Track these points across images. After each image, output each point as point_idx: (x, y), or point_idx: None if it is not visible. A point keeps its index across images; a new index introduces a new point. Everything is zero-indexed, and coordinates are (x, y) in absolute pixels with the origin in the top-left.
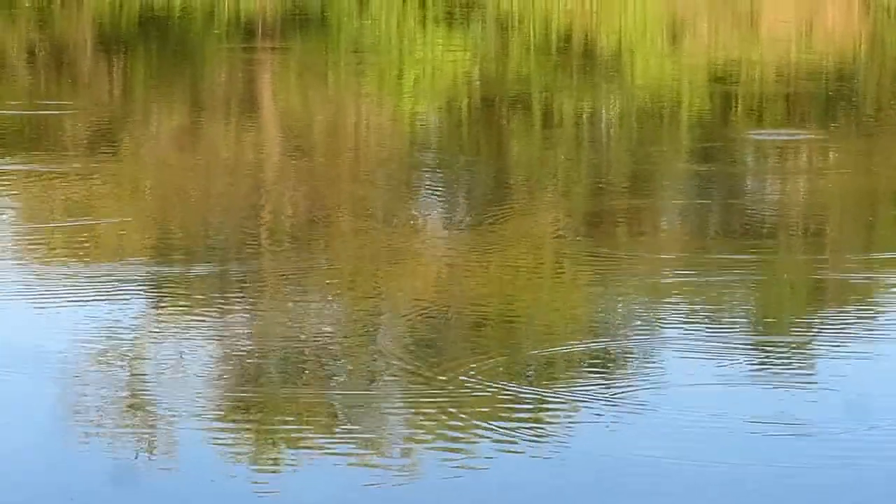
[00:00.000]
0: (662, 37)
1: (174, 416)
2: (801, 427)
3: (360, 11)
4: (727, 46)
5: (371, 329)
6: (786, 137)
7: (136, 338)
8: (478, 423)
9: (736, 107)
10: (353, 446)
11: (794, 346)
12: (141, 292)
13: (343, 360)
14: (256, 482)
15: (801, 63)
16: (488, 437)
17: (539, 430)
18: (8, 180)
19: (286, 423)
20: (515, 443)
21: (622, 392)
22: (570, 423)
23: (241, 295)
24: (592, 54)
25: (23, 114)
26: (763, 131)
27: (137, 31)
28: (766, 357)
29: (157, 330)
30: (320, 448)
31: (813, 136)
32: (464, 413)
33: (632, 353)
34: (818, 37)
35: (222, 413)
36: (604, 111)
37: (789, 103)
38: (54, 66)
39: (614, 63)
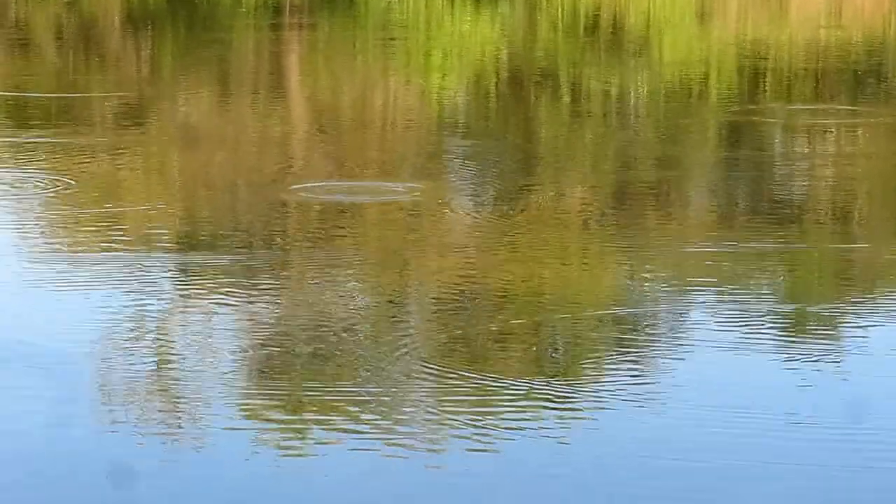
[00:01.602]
0: (691, 16)
1: (201, 398)
2: (822, 410)
3: None
4: (756, 26)
5: (399, 311)
6: (815, 112)
7: (163, 320)
8: (502, 405)
9: (764, 83)
10: (380, 431)
11: (822, 323)
12: (168, 273)
13: (369, 345)
14: (281, 465)
15: (830, 41)
16: (512, 419)
17: (564, 412)
18: (34, 156)
19: (312, 405)
20: (542, 426)
21: (647, 371)
22: (596, 407)
23: (268, 277)
24: (621, 33)
25: (51, 95)
26: (792, 106)
27: (166, 9)
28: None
29: (184, 312)
30: (346, 431)
31: (842, 111)
32: (490, 398)
33: (658, 331)
34: (847, 17)
35: (249, 396)
36: (632, 89)
37: (818, 80)
38: (83, 44)
39: (643, 41)
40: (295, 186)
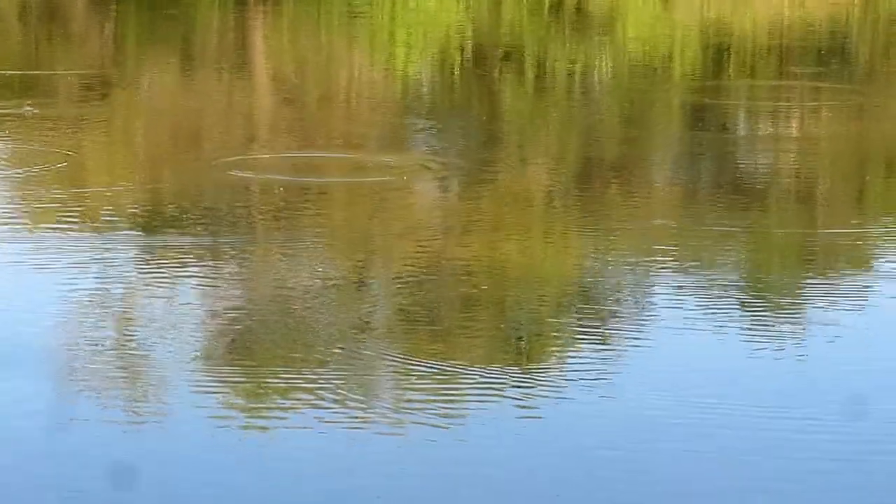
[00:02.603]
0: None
1: (165, 375)
2: (793, 390)
3: None
4: (720, 8)
5: (361, 288)
6: (777, 87)
7: (127, 298)
8: (466, 387)
9: (728, 61)
10: (343, 404)
11: (786, 305)
12: (132, 251)
13: (332, 321)
14: (246, 439)
15: (793, 22)
16: (476, 401)
17: (524, 397)
18: None
19: (275, 382)
20: (504, 406)
21: (613, 355)
22: (560, 387)
23: (231, 255)
24: (585, 14)
25: (15, 72)
26: (755, 82)
27: None
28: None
29: (149, 290)
30: (308, 405)
31: (805, 86)
32: (452, 377)
33: (623, 314)
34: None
35: (213, 373)
36: (596, 66)
37: (781, 57)
38: (46, 23)
39: (607, 20)
40: (259, 158)
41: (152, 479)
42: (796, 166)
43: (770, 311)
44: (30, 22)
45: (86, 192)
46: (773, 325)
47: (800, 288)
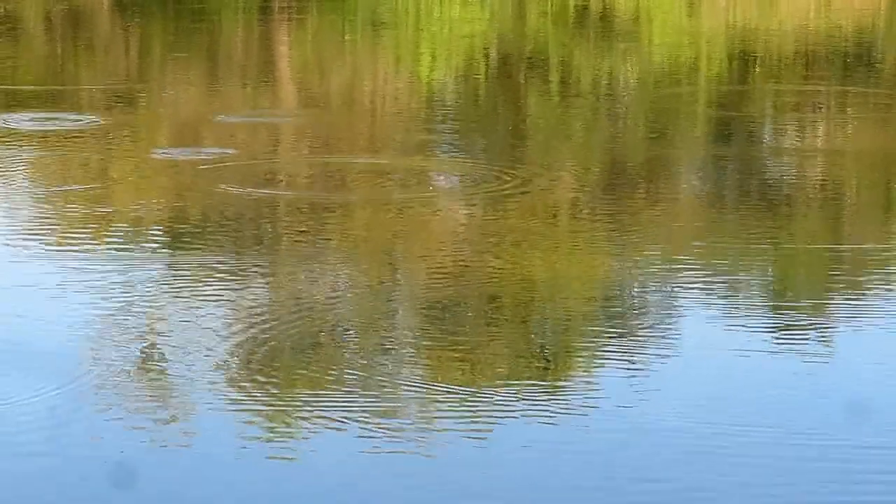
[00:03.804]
0: (680, 4)
1: (191, 383)
2: (814, 398)
3: None
4: (745, 14)
5: (388, 297)
6: (804, 93)
7: (153, 304)
8: (494, 392)
9: (753, 68)
10: (368, 414)
11: (812, 314)
12: (158, 258)
13: (359, 329)
14: (272, 447)
15: (819, 29)
16: (503, 406)
17: (556, 400)
18: (22, 142)
19: (301, 391)
20: (532, 412)
21: (639, 359)
22: (589, 391)
23: (257, 262)
24: (610, 20)
25: (40, 88)
26: (781, 88)
27: None
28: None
29: (174, 297)
30: (334, 414)
31: (831, 92)
32: (480, 384)
33: (648, 321)
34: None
35: (238, 381)
36: (621, 74)
37: (808, 63)
38: (71, 29)
39: (633, 28)
40: (287, 165)
41: (176, 498)
42: (824, 176)
43: (801, 328)
44: (55, 34)
45: (112, 209)
46: (803, 343)
47: (830, 302)
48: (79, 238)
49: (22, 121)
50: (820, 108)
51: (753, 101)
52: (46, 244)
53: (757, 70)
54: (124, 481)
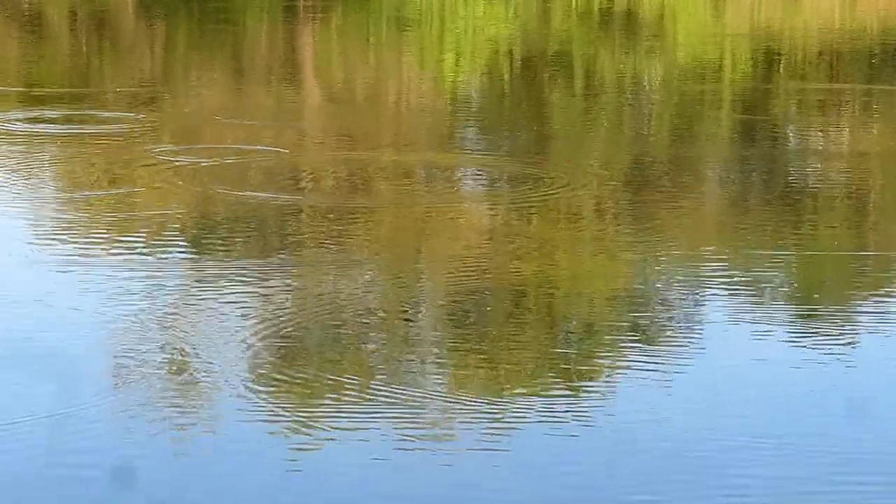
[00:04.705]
0: (705, 3)
1: (213, 387)
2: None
3: None
4: (770, 14)
5: (411, 298)
6: (830, 92)
7: (176, 305)
8: (517, 395)
9: (778, 67)
10: (391, 417)
11: (837, 320)
12: (181, 257)
13: (382, 331)
14: (293, 453)
15: (844, 29)
16: (527, 408)
17: (579, 402)
18: (48, 141)
19: (323, 393)
20: (555, 415)
21: (662, 366)
22: (610, 394)
23: (281, 264)
24: (635, 19)
25: (63, 90)
26: (807, 87)
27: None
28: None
29: (198, 298)
30: (355, 421)
31: (857, 91)
32: (503, 386)
33: (672, 325)
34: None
35: (260, 386)
36: (646, 73)
37: (832, 63)
38: (96, 29)
39: (658, 27)
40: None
41: (201, 499)
42: (848, 177)
43: (826, 334)
44: (80, 36)
45: (136, 211)
46: (828, 349)
47: (856, 308)
48: (102, 241)
49: (45, 122)
50: (845, 107)
51: (778, 101)
52: (70, 247)
53: (782, 69)
54: (145, 485)
